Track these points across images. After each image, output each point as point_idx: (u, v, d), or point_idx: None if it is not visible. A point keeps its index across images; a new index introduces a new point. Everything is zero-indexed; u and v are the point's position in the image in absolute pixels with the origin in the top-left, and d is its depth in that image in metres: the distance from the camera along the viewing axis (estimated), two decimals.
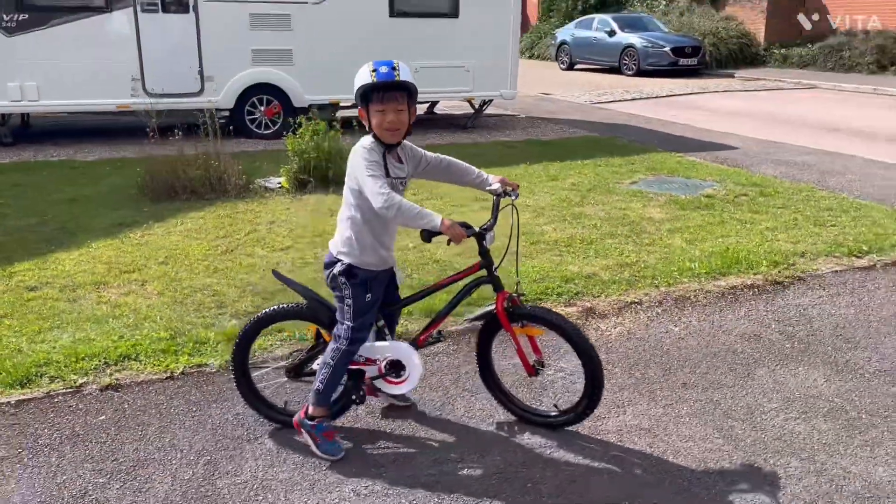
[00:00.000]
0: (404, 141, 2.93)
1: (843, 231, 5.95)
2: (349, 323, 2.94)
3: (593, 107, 14.38)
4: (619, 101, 15.14)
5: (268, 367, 3.53)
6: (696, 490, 2.84)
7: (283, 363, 3.45)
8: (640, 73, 19.89)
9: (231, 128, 8.68)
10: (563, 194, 7.24)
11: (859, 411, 3.37)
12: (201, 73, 9.72)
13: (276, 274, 3.29)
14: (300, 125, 7.37)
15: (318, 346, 3.22)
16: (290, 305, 3.25)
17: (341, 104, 10.46)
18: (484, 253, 2.98)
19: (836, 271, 5.13)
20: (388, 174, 2.82)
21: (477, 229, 2.87)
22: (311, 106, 10.22)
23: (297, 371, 3.29)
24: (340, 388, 3.12)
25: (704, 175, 8.06)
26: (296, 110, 10.14)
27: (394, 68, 2.70)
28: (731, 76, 19.83)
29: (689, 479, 2.90)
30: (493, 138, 10.82)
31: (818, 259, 5.35)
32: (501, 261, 3.07)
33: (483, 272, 3.05)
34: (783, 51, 21.19)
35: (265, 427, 3.27)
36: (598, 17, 22.49)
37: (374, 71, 2.69)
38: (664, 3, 24.97)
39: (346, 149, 7.98)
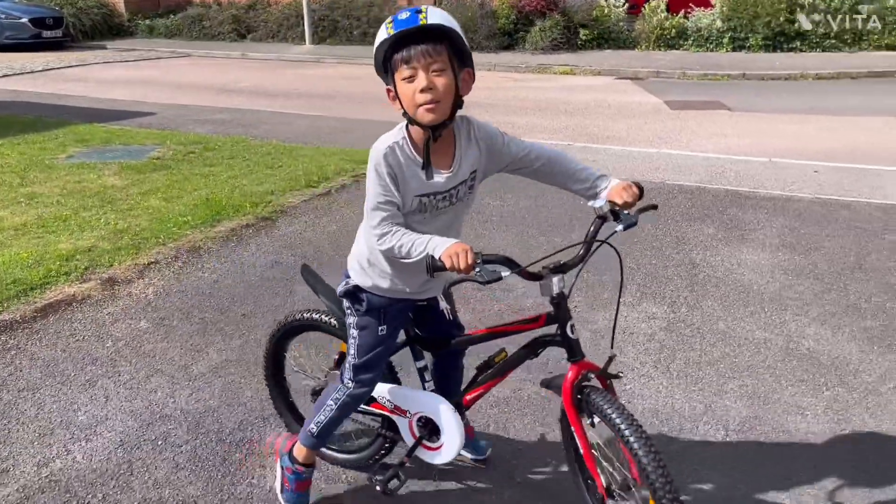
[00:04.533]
0: (468, 119, 2.01)
1: (291, 169, 6.80)
2: (351, 360, 2.24)
3: None
4: None
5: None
6: None
7: (312, 382, 2.71)
8: None
9: None
10: None
11: None
12: None
13: (305, 270, 2.56)
14: None
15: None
16: (320, 315, 2.52)
17: None
18: (557, 301, 2.03)
19: (305, 200, 5.92)
20: (418, 185, 1.95)
21: (543, 268, 1.99)
22: None
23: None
24: (371, 445, 2.59)
25: (141, 140, 8.00)
26: None
27: (419, 11, 1.82)
28: (104, 48, 19.26)
29: None
30: None
31: (286, 194, 6.06)
32: (613, 331, 2.20)
33: (552, 329, 2.11)
34: (148, 21, 21.51)
35: None
36: None
37: (390, 22, 1.83)
38: None
39: None
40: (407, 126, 1.94)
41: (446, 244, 1.78)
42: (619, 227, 1.95)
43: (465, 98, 1.92)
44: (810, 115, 9.59)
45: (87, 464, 2.69)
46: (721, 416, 2.98)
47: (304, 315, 2.54)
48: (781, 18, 15.36)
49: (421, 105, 1.83)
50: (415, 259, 1.85)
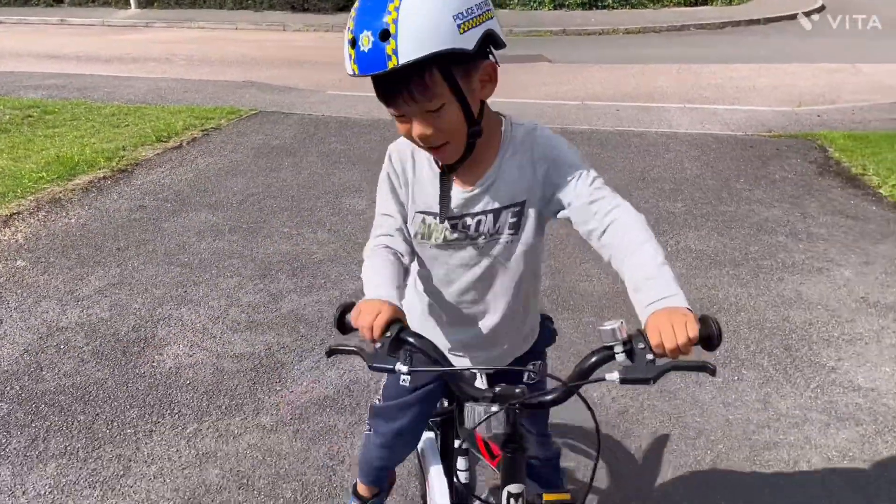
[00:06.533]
0: (533, 129, 1.45)
1: (139, 127, 6.97)
2: (376, 398, 1.87)
3: None
4: None
5: None
6: None
7: None
8: None
9: None
10: None
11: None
12: None
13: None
14: None
15: None
16: None
17: None
18: (504, 442, 1.38)
19: (158, 154, 6.19)
20: (423, 196, 1.48)
21: (497, 390, 1.28)
22: None
23: None
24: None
25: None
26: None
27: (383, 35, 1.19)
28: None
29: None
30: None
31: (138, 149, 6.29)
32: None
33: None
34: None
35: None
36: None
37: (351, 43, 1.23)
38: None
39: None
40: None
41: (375, 293, 1.30)
42: (614, 377, 1.15)
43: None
44: (618, 65, 10.82)
45: None
46: None
47: None
48: None
49: (424, 148, 1.37)
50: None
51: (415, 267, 1.59)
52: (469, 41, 1.22)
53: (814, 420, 2.74)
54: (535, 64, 10.98)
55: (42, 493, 2.40)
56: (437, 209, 1.45)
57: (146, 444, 2.63)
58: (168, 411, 2.79)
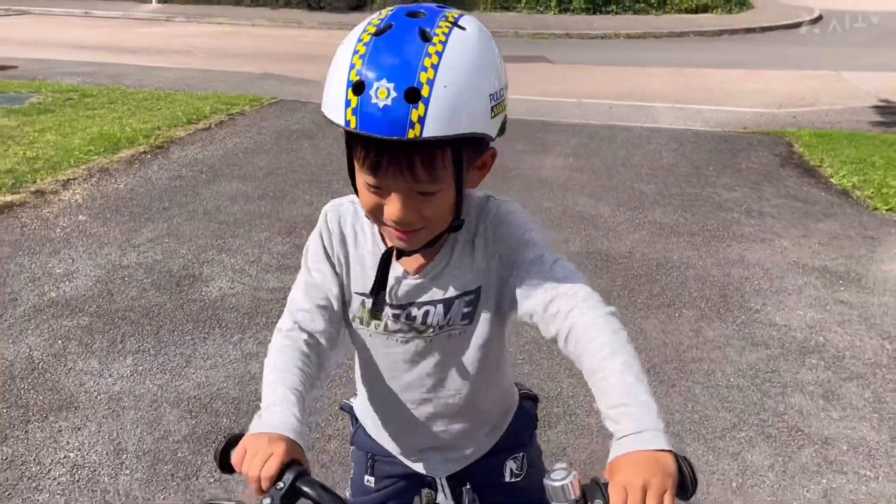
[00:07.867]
0: (485, 205, 1.26)
1: (171, 111, 7.67)
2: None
3: None
4: None
5: None
6: None
7: None
8: None
9: None
10: None
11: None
12: None
13: None
14: None
15: None
16: None
17: None
18: None
19: (190, 133, 6.89)
20: (362, 276, 1.28)
21: None
22: None
23: None
24: None
25: (15, 89, 8.50)
26: None
27: (411, 96, 0.98)
28: None
29: None
30: None
31: (171, 129, 6.99)
32: None
33: None
34: None
35: None
36: None
37: (355, 87, 1.00)
38: None
39: None
40: None
41: (267, 419, 1.05)
42: None
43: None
44: (617, 67, 11.48)
45: (76, 293, 3.75)
46: None
47: None
48: None
49: (383, 223, 1.15)
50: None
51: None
52: (494, 127, 1.08)
53: (734, 345, 3.42)
54: (536, 64, 11.65)
55: (125, 375, 3.09)
56: (360, 289, 1.26)
57: (202, 346, 3.32)
58: (217, 325, 3.48)
